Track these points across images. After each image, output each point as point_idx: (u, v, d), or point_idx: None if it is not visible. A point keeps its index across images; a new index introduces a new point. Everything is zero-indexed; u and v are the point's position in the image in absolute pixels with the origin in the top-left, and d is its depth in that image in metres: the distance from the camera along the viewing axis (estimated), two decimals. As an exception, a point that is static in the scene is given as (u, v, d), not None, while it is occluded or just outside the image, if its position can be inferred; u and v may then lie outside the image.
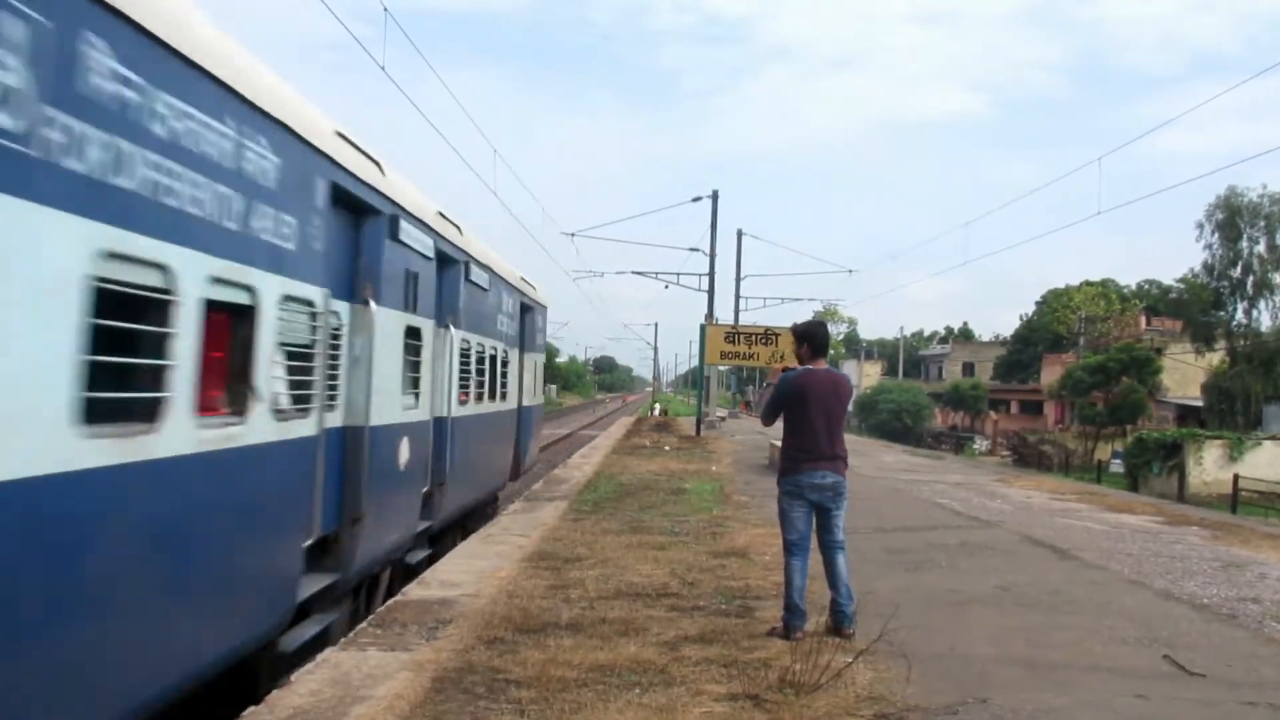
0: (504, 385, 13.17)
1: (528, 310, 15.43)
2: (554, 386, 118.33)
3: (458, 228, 9.98)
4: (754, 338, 27.81)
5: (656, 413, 52.88)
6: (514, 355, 14.13)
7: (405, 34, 13.32)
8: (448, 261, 9.60)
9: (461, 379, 10.36)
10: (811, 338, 6.84)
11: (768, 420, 7.07)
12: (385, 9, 12.62)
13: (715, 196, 34.95)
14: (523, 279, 14.82)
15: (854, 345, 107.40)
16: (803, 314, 55.77)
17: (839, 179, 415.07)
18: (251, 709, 4.87)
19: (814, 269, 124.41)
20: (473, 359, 10.88)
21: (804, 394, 6.61)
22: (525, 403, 15.53)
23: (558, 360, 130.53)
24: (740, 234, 40.17)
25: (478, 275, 10.93)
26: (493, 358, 12.21)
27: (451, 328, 9.71)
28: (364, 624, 6.66)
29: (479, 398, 11.43)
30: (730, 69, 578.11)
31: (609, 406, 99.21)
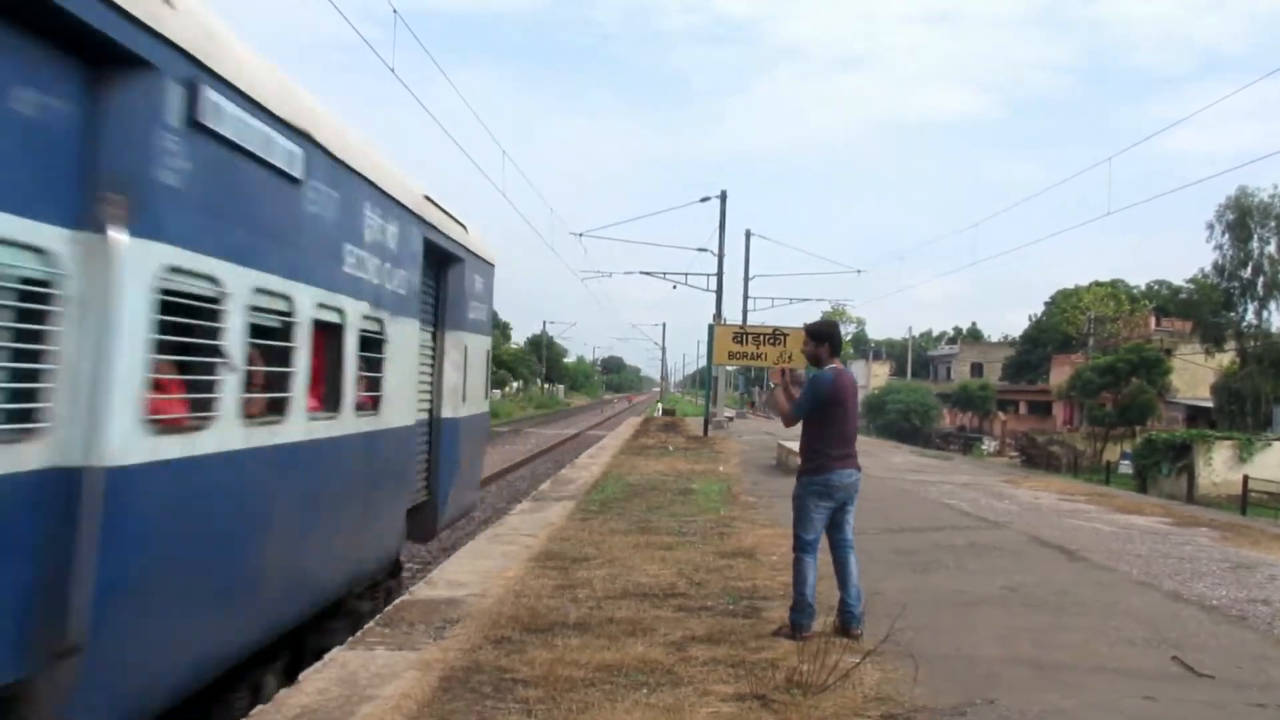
0: (373, 384, 7.02)
1: (449, 261, 9.16)
2: (561, 387, 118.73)
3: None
4: (762, 338, 27.76)
5: (660, 413, 52.77)
6: (405, 330, 7.66)
7: (417, 38, 13.37)
8: (126, 63, 4.01)
9: (187, 367, 4.78)
10: (832, 338, 6.90)
11: (794, 421, 6.93)
12: (395, 10, 12.67)
13: (723, 197, 34.97)
14: (428, 199, 8.27)
15: (862, 345, 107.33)
16: (811, 314, 55.87)
17: (844, 179, 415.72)
18: (260, 708, 4.89)
19: (821, 269, 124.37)
20: (235, 322, 4.92)
21: (840, 394, 6.69)
22: (446, 413, 9.26)
23: (565, 360, 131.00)
24: (748, 234, 40.36)
25: (257, 134, 5.04)
26: (333, 328, 6.21)
27: (124, 234, 3.99)
28: (371, 623, 6.68)
29: (274, 409, 5.47)
30: (736, 70, 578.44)
31: (616, 407, 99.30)
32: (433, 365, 9.18)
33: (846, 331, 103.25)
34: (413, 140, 73.63)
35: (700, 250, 36.99)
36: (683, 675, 5.46)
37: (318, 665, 5.63)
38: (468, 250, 9.72)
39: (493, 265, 11.18)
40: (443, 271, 9.24)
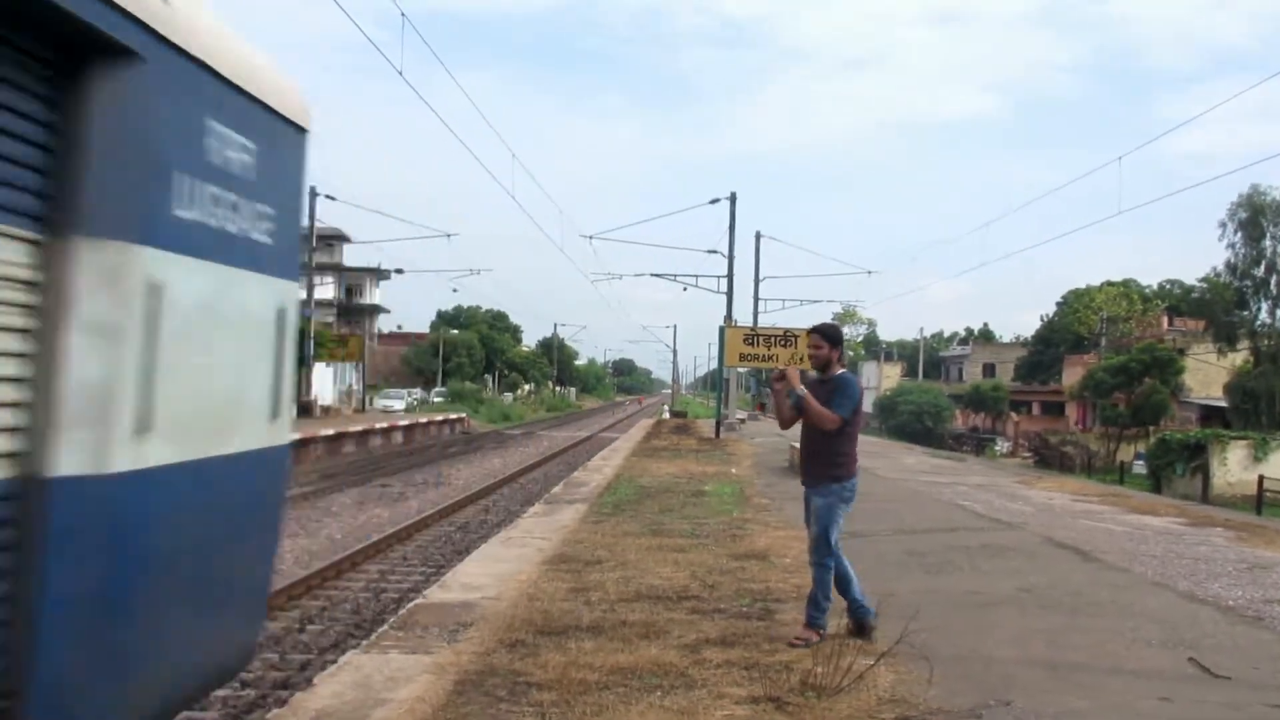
0: None
1: (82, 48, 2.49)
2: (573, 389, 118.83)
3: None
4: (773, 339, 27.76)
5: (667, 415, 52.67)
6: None
7: (425, 41, 13.34)
8: None
9: None
10: (842, 342, 6.91)
11: (842, 424, 6.57)
12: (403, 14, 12.69)
13: (733, 199, 34.98)
14: None
15: (873, 347, 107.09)
16: (821, 316, 55.78)
17: (854, 180, 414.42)
18: (275, 711, 4.92)
19: (832, 270, 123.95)
20: None
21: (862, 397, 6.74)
22: (71, 467, 2.50)
23: (577, 363, 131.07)
24: (758, 236, 40.18)
25: None
26: None
27: None
28: (385, 626, 6.70)
29: None
30: (744, 71, 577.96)
31: (627, 409, 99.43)
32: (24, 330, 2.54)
33: (858, 333, 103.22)
34: (421, 142, 73.77)
35: (710, 252, 37.05)
36: (696, 678, 5.46)
37: (331, 669, 5.65)
38: (165, 42, 2.83)
39: (303, 130, 3.90)
40: (67, 82, 2.60)
